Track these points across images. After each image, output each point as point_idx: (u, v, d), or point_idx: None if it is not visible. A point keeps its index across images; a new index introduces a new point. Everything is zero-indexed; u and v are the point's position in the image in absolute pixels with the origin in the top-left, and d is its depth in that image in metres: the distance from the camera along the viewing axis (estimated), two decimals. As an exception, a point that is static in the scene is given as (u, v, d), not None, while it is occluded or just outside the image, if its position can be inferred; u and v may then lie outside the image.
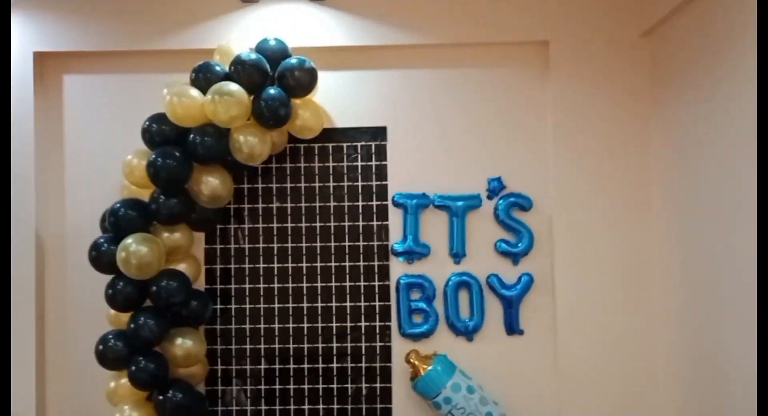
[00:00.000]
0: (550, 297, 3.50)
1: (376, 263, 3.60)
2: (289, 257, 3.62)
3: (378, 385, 3.57)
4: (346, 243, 3.62)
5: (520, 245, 3.51)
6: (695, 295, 3.00)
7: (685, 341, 3.15)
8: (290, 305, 3.61)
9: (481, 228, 3.55)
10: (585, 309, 3.44)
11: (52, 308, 3.61)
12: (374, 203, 3.62)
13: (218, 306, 3.60)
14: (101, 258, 3.25)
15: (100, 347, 3.26)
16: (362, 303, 3.60)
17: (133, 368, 3.19)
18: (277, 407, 3.58)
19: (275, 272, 3.62)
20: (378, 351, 3.58)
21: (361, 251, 3.61)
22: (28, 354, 3.50)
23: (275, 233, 3.63)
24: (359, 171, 3.63)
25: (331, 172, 3.64)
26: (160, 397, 3.24)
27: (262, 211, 3.64)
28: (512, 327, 3.50)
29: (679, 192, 3.16)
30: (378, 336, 3.58)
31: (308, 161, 3.65)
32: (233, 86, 3.16)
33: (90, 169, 3.63)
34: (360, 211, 3.62)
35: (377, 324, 3.59)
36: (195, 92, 3.19)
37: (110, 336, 3.28)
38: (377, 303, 3.59)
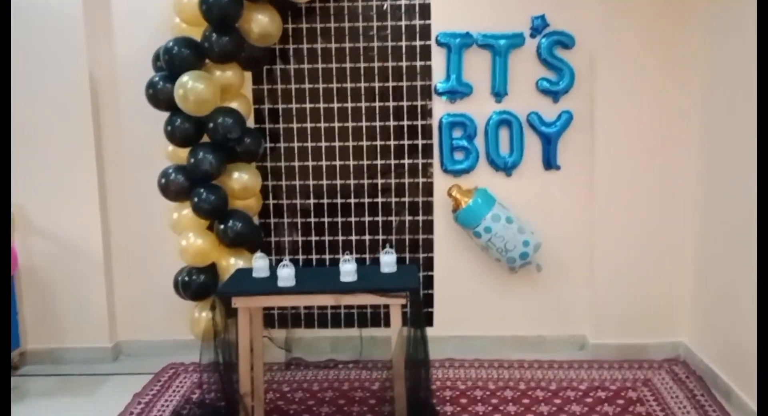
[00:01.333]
0: (588, 134, 3.63)
1: (419, 102, 3.71)
2: (335, 98, 3.72)
3: (420, 218, 3.80)
4: (390, 83, 3.70)
5: (561, 83, 3.59)
6: (731, 133, 3.13)
7: (711, 180, 3.32)
8: (336, 143, 3.76)
9: (523, 67, 3.61)
10: (622, 146, 3.58)
11: (109, 145, 3.79)
12: (417, 42, 3.66)
13: (268, 145, 3.76)
14: (158, 95, 3.37)
15: (163, 180, 3.47)
16: (406, 142, 3.75)
17: (196, 199, 3.41)
18: (326, 238, 3.84)
19: (321, 112, 3.74)
20: (420, 187, 3.78)
21: (405, 91, 3.71)
22: (90, 190, 3.72)
23: (320, 73, 3.71)
24: (403, 10, 3.65)
25: (374, 11, 3.66)
26: (221, 226, 3.48)
27: (306, 51, 3.70)
28: (550, 162, 3.67)
29: (722, 35, 3.19)
30: (421, 172, 3.77)
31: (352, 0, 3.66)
32: None
33: (136, 6, 3.66)
34: (403, 51, 3.68)
35: (420, 161, 3.76)
36: (243, -75, 3.16)
37: (171, 170, 3.48)
38: (420, 141, 3.74)
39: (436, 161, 3.74)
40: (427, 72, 3.68)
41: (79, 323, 3.81)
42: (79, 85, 3.63)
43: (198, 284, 3.52)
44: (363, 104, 3.72)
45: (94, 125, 3.69)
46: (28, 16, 3.57)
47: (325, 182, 3.80)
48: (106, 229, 3.80)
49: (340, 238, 3.84)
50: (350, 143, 3.76)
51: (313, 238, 3.85)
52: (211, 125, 3.35)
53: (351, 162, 3.78)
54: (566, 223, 3.73)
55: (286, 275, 2.82)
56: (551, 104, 3.63)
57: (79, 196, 3.71)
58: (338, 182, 3.80)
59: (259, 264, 2.99)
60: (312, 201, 3.83)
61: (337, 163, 3.78)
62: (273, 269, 3.04)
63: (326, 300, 3.02)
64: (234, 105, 3.49)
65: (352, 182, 3.80)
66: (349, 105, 3.73)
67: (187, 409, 3.22)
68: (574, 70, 3.58)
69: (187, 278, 3.55)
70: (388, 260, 3.02)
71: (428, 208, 3.79)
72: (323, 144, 3.77)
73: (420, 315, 2.91)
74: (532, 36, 3.59)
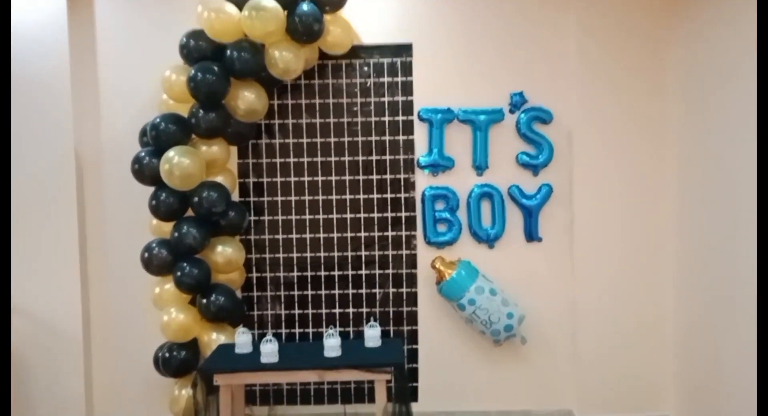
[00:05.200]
0: (568, 207, 3.70)
1: (402, 175, 3.77)
2: (319, 171, 3.78)
3: (404, 290, 3.80)
4: (374, 157, 3.77)
5: (540, 157, 3.68)
6: (708, 208, 3.20)
7: (690, 251, 3.37)
8: (320, 216, 3.79)
9: (503, 141, 3.71)
10: (601, 218, 3.64)
11: (92, 221, 3.78)
12: (400, 118, 3.75)
13: (252, 218, 3.78)
14: (144, 171, 3.40)
15: (146, 254, 3.45)
16: (389, 214, 3.78)
17: (179, 273, 3.39)
18: (310, 311, 3.81)
19: (306, 186, 3.78)
20: (404, 259, 3.79)
21: (388, 164, 3.77)
22: (72, 267, 3.67)
23: (305, 147, 3.77)
24: (386, 87, 3.75)
25: (358, 88, 3.76)
26: (204, 300, 3.45)
27: (292, 127, 3.77)
28: (531, 234, 3.71)
29: (696, 108, 3.32)
30: (404, 245, 3.79)
31: (336, 77, 3.76)
32: (268, 2, 3.23)
33: (124, 85, 3.72)
34: (386, 126, 3.76)
35: (403, 233, 3.79)
36: (231, 8, 3.27)
37: (154, 245, 3.47)
38: (403, 214, 3.78)
39: (419, 233, 3.77)
40: (409, 146, 3.75)
41: (55, 404, 3.68)
42: (64, 160, 3.64)
43: (179, 360, 3.46)
44: (347, 177, 3.78)
45: (78, 201, 3.68)
46: (17, 87, 3.57)
47: (309, 254, 3.81)
48: (86, 306, 3.74)
49: (324, 311, 3.81)
50: (334, 216, 3.79)
51: (297, 311, 3.82)
52: (195, 199, 3.37)
53: (335, 234, 3.80)
54: (549, 295, 3.75)
55: (270, 351, 2.80)
56: (531, 177, 3.71)
57: (60, 273, 3.65)
58: (322, 254, 3.81)
59: (242, 340, 2.96)
60: (295, 274, 3.82)
61: (321, 235, 3.80)
62: (256, 343, 3.01)
63: (310, 377, 2.98)
64: (219, 179, 3.52)
65: (336, 254, 3.81)
66: (333, 178, 3.78)
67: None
68: (553, 145, 3.67)
69: (167, 355, 3.48)
70: (372, 334, 3.01)
71: (412, 280, 3.80)
72: (307, 217, 3.79)
73: (405, 390, 2.88)
74: (512, 112, 3.69)
